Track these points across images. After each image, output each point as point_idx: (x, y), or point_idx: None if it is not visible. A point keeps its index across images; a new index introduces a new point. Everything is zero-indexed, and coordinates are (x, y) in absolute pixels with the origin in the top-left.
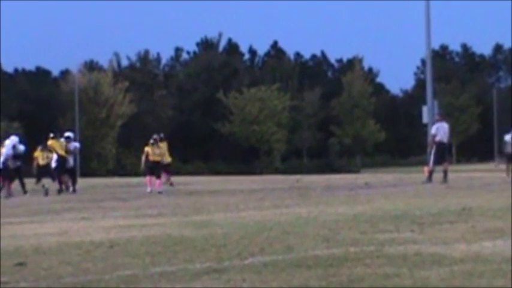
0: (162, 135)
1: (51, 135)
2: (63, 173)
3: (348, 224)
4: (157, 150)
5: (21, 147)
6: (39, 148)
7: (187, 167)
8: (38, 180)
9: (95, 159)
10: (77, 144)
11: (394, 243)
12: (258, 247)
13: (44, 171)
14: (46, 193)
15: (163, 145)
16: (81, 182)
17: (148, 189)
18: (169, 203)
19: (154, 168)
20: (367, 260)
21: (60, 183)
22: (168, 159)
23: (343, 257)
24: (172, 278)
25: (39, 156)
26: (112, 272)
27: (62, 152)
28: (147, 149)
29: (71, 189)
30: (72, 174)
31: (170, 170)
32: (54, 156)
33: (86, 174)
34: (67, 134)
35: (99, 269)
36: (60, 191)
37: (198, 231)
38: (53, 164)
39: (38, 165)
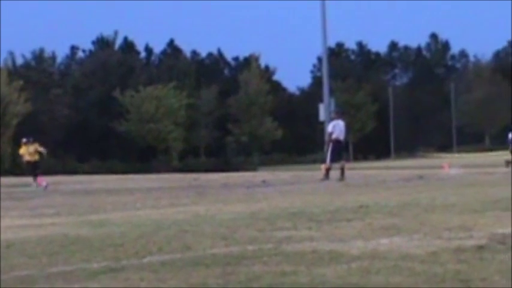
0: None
1: None
2: None
3: (246, 222)
4: (31, 149)
5: None
6: None
7: (83, 166)
8: None
9: None
10: None
11: (292, 241)
12: (155, 246)
13: None
14: None
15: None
16: None
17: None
18: (66, 203)
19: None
20: (265, 258)
21: None
22: None
23: (240, 255)
24: (69, 277)
25: None
26: (8, 272)
27: None
28: (22, 150)
29: None
30: None
31: None
32: None
33: None
34: None
35: None
36: None
37: (95, 230)
38: None
39: None
